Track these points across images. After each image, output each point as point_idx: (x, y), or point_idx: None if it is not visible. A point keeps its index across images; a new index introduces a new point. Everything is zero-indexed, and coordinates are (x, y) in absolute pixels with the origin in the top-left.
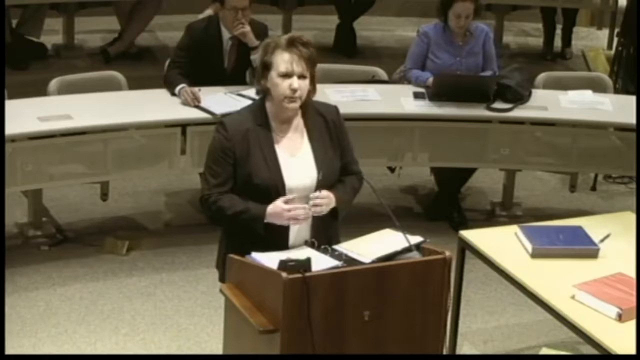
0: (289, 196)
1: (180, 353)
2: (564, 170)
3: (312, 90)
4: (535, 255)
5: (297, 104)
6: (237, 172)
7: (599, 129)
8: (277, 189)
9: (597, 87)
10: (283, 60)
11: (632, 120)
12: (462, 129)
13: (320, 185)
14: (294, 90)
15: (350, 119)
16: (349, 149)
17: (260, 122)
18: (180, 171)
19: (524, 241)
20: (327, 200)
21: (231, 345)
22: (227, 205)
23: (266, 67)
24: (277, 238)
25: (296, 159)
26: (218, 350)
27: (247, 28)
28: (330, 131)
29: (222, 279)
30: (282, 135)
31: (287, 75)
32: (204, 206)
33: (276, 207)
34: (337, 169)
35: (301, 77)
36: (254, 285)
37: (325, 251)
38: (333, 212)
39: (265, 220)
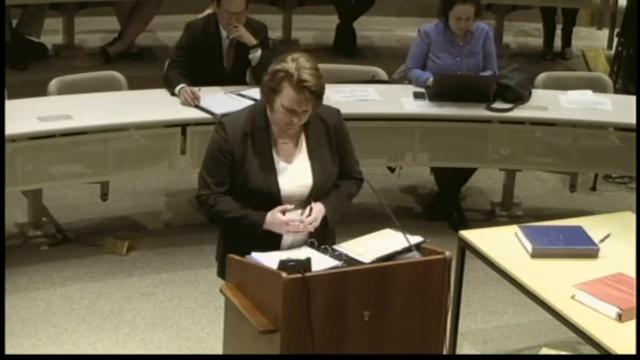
0: (286, 206)
1: (180, 353)
2: (564, 170)
3: (316, 105)
4: (535, 255)
5: (294, 131)
6: (234, 175)
7: (599, 129)
8: (272, 194)
9: (597, 87)
10: (290, 97)
11: (632, 120)
12: (462, 129)
13: (314, 193)
14: (294, 123)
15: (350, 119)
16: (350, 151)
17: (260, 125)
18: (180, 171)
19: (524, 241)
20: (315, 216)
21: (231, 345)
22: (225, 209)
23: (273, 91)
24: (273, 237)
25: (293, 165)
26: (218, 350)
27: (241, 32)
28: (330, 137)
29: (220, 274)
30: (281, 140)
31: (291, 110)
32: (201, 206)
33: (275, 218)
34: (333, 176)
35: (304, 111)
36: (254, 285)
37: (325, 251)
38: (323, 219)
39: (265, 227)
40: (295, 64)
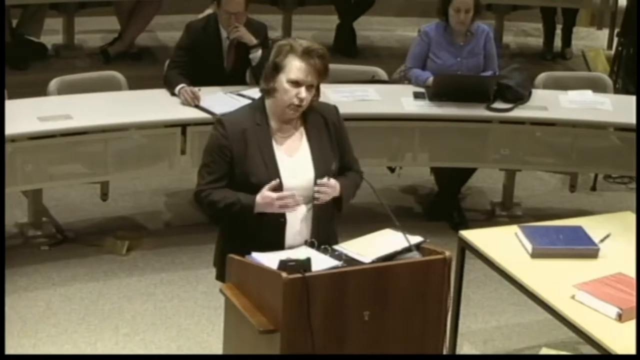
0: (273, 183)
1: (180, 353)
2: (564, 170)
3: (317, 95)
4: (535, 255)
5: (299, 112)
6: (234, 171)
7: (599, 129)
8: (274, 188)
9: (597, 87)
10: (296, 68)
11: (632, 120)
12: (462, 129)
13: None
14: (301, 100)
15: (350, 119)
16: (349, 148)
17: (260, 121)
18: (180, 171)
19: (524, 241)
20: (332, 189)
21: (231, 345)
22: (219, 199)
23: (277, 68)
24: (273, 237)
25: (294, 159)
26: (218, 350)
27: (241, 32)
28: (329, 132)
29: (218, 278)
30: (281, 135)
31: (296, 83)
32: (198, 201)
33: (265, 198)
34: (335, 169)
35: (309, 87)
36: (254, 285)
37: (325, 251)
38: (336, 203)
39: (256, 210)
40: (297, 42)
